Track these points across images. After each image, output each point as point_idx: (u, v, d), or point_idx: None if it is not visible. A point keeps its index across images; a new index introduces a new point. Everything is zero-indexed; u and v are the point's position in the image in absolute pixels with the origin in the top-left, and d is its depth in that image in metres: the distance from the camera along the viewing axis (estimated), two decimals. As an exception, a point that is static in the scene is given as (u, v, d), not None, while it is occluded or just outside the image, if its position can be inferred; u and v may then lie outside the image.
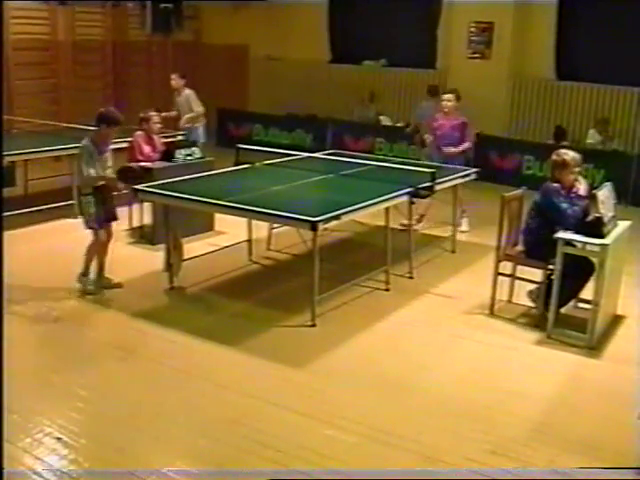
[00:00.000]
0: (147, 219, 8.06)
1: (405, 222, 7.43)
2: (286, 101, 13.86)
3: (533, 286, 6.24)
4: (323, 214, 5.70)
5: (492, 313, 6.26)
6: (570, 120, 11.84)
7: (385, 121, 13.09)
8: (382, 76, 13.43)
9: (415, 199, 6.81)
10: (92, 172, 6.19)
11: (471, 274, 7.29)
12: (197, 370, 5.10)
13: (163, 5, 12.83)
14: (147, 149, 8.11)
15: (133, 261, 7.13)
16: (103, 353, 5.35)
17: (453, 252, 8.04)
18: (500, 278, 6.29)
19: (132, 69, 13.85)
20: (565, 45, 11.89)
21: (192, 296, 6.52)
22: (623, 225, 5.97)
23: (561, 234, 5.62)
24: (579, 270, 5.76)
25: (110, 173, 6.34)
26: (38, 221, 8.29)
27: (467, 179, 8.05)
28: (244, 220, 7.12)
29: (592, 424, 4.57)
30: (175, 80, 10.17)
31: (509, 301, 6.48)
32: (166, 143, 8.45)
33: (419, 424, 4.48)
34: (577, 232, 5.62)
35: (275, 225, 7.35)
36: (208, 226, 8.19)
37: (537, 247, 6.00)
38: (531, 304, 6.28)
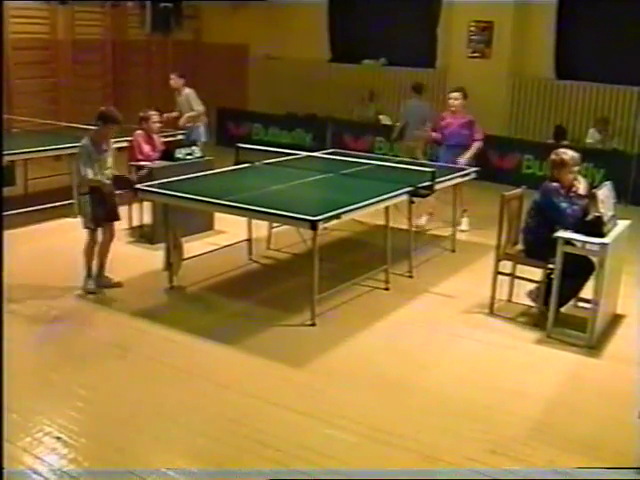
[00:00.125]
0: (147, 218, 8.06)
1: (421, 222, 7.41)
2: (286, 100, 13.86)
3: (533, 286, 6.24)
4: (323, 213, 5.70)
5: (492, 312, 6.26)
6: (570, 119, 11.84)
7: (385, 120, 13.06)
8: (382, 75, 13.42)
9: (415, 198, 6.80)
10: (89, 173, 6.19)
11: (471, 273, 7.29)
12: (197, 369, 5.10)
13: (163, 4, 12.85)
14: (147, 148, 8.11)
15: (133, 260, 7.13)
16: (103, 352, 5.35)
17: (453, 251, 8.04)
18: (500, 277, 6.29)
19: (132, 68, 13.84)
20: (565, 44, 11.89)
21: (192, 295, 6.52)
22: (623, 224, 5.97)
23: (561, 233, 5.62)
24: (579, 269, 5.76)
25: (109, 174, 6.33)
26: (38, 220, 8.29)
27: (467, 178, 8.05)
28: (244, 219, 7.12)
29: (592, 424, 4.57)
30: (174, 80, 10.16)
31: (509, 300, 6.48)
32: (166, 142, 8.45)
33: (419, 423, 4.48)
34: (577, 231, 5.61)
35: (275, 224, 7.35)
36: (208, 225, 8.19)
37: (537, 246, 6.00)
38: (531, 303, 6.28)
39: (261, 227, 7.51)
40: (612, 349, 5.62)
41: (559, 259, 5.60)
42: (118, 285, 6.52)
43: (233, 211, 6.12)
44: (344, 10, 13.97)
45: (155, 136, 8.31)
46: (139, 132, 8.14)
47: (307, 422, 4.45)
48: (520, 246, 6.34)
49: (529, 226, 6.12)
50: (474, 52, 12.23)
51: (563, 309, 5.98)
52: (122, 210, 7.02)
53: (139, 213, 8.14)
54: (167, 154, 8.10)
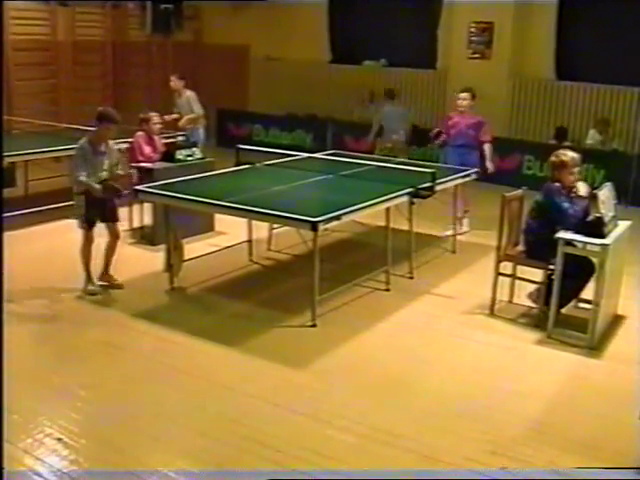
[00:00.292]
0: (147, 220, 8.07)
1: (465, 229, 8.05)
2: (286, 101, 13.87)
3: (534, 287, 6.24)
4: (323, 214, 5.71)
5: (492, 313, 6.26)
6: (570, 120, 11.83)
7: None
8: (382, 76, 13.41)
9: (416, 199, 6.80)
10: (82, 176, 6.19)
11: (471, 274, 7.29)
12: (197, 370, 5.10)
13: (163, 5, 12.83)
14: (147, 150, 8.12)
15: (134, 261, 7.13)
16: (103, 353, 5.36)
17: (453, 252, 8.05)
18: (500, 278, 6.29)
19: (132, 70, 13.84)
20: (565, 45, 11.88)
21: (192, 296, 6.52)
22: (623, 225, 5.97)
23: (562, 234, 5.62)
24: (580, 270, 5.76)
25: (106, 176, 6.32)
26: (38, 222, 8.29)
27: (467, 179, 8.05)
28: (244, 220, 7.12)
29: (592, 424, 4.57)
30: (174, 81, 10.17)
31: (509, 301, 6.48)
32: (166, 144, 8.46)
33: (419, 424, 4.48)
34: (578, 232, 5.62)
35: (275, 225, 7.36)
36: (208, 226, 8.20)
37: (538, 247, 6.00)
38: (531, 304, 6.28)
39: (261, 228, 7.51)
40: (613, 350, 5.62)
41: (560, 260, 5.60)
42: (119, 287, 6.52)
43: (233, 212, 6.12)
44: (344, 11, 13.97)
45: (156, 137, 8.31)
46: (140, 133, 8.15)
47: (307, 423, 4.45)
48: (521, 247, 6.35)
49: (530, 227, 6.12)
50: (474, 53, 12.23)
51: (564, 310, 5.98)
52: (122, 211, 7.03)
53: (140, 214, 8.15)
54: (168, 155, 8.11)
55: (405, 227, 7.05)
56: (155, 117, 8.27)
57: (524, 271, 6.31)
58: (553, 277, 5.80)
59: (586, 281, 5.88)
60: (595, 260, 5.62)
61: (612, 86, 11.45)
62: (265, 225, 7.43)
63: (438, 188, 7.01)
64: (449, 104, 11.44)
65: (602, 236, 5.50)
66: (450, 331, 5.92)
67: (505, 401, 4.81)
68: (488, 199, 7.92)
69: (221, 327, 5.83)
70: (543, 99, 12.13)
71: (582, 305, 6.15)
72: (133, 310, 6.09)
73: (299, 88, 13.84)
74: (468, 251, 8.02)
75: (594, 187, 6.01)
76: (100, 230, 6.46)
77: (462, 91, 8.72)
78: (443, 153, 9.08)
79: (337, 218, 5.86)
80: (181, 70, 10.81)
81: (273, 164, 7.97)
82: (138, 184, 6.86)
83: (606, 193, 5.76)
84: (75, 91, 12.83)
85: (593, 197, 5.62)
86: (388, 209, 6.64)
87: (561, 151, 6.12)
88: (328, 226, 5.94)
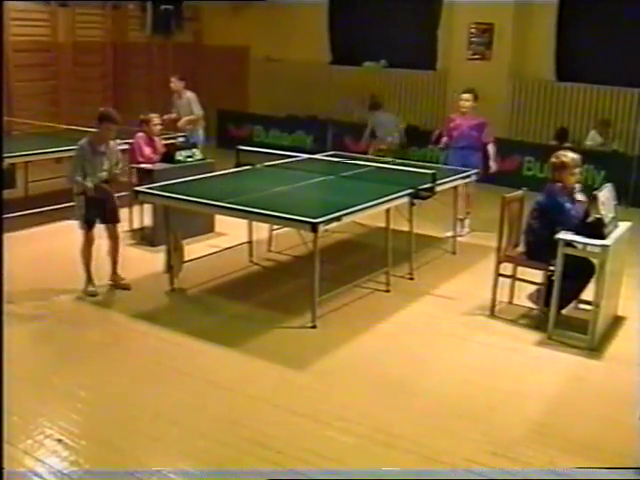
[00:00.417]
0: (148, 221, 8.07)
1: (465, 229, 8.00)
2: (286, 102, 13.87)
3: (534, 288, 6.24)
4: (324, 215, 5.71)
5: (493, 314, 6.26)
6: (570, 121, 11.83)
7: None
8: (382, 77, 13.42)
9: (416, 200, 6.81)
10: (76, 175, 6.23)
11: (471, 275, 7.29)
12: (198, 371, 5.10)
13: (163, 6, 12.85)
14: (148, 150, 8.12)
15: (134, 263, 7.12)
16: (103, 354, 5.36)
17: (453, 253, 8.05)
18: (501, 279, 6.29)
19: (132, 71, 13.84)
20: (565, 46, 11.88)
21: (193, 297, 6.52)
22: (624, 226, 5.97)
23: (562, 235, 5.62)
24: (580, 271, 5.76)
25: (105, 176, 6.33)
26: (38, 223, 8.30)
27: (468, 180, 8.06)
28: (245, 222, 7.12)
29: (593, 425, 4.57)
30: (174, 83, 10.16)
31: (510, 302, 6.48)
32: (167, 145, 8.46)
33: (419, 425, 4.48)
34: (578, 233, 5.62)
35: (276, 227, 7.36)
36: (209, 228, 8.20)
37: (538, 248, 6.00)
38: (532, 305, 6.28)
39: (262, 229, 7.51)
40: (613, 351, 5.62)
41: (560, 261, 5.61)
42: (126, 287, 6.53)
43: (234, 213, 6.13)
44: (345, 12, 13.96)
45: (156, 138, 8.31)
46: (140, 134, 8.15)
47: (307, 424, 4.45)
48: (521, 248, 6.35)
49: (531, 227, 6.12)
50: (474, 54, 12.23)
51: (564, 311, 5.98)
52: (122, 212, 7.02)
53: (140, 215, 8.15)
54: (168, 156, 8.11)
55: (405, 228, 7.05)
56: (155, 118, 8.27)
57: (524, 272, 6.31)
58: (553, 278, 5.80)
59: (586, 282, 5.89)
60: (595, 261, 5.63)
61: (612, 87, 11.45)
62: (265, 226, 7.44)
63: (438, 189, 7.01)
64: (449, 105, 11.47)
65: (602, 237, 5.50)
66: (450, 332, 5.92)
67: (505, 402, 4.82)
68: (488, 200, 7.93)
69: (221, 328, 5.83)
70: (543, 100, 12.13)
71: (582, 306, 6.15)
72: (133, 311, 6.09)
73: (299, 89, 13.84)
74: (468, 252, 8.02)
75: (594, 188, 6.02)
76: (100, 231, 6.47)
77: (464, 92, 8.70)
78: (445, 154, 9.08)
79: (337, 219, 5.86)
80: (181, 71, 10.81)
81: (273, 165, 7.98)
82: (137, 184, 6.85)
83: (606, 194, 5.76)
84: (75, 92, 12.83)
85: (593, 198, 5.62)
86: (388, 210, 6.64)
87: (561, 152, 6.12)
88: (328, 227, 5.94)
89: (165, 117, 9.44)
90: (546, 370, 5.34)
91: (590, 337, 5.59)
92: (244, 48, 14.78)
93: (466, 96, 8.61)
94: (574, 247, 5.68)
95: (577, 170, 5.99)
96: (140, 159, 8.02)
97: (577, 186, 6.05)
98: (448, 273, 7.34)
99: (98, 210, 6.33)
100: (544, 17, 11.81)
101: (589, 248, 5.61)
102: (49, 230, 8.23)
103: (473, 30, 12.16)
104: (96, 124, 6.31)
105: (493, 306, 6.28)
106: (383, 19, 13.39)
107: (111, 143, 6.43)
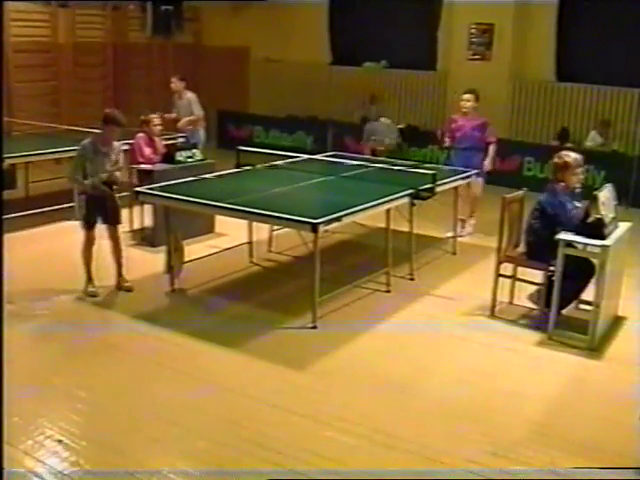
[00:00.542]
0: (148, 221, 8.07)
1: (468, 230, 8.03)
2: (287, 103, 13.87)
3: (534, 289, 6.24)
4: (324, 216, 5.71)
5: (493, 314, 6.26)
6: (570, 121, 11.83)
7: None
8: (383, 78, 13.42)
9: (416, 200, 6.81)
10: (76, 174, 6.26)
11: (472, 276, 7.29)
12: (198, 372, 5.10)
13: (163, 7, 12.85)
14: (148, 151, 8.12)
15: (134, 263, 7.11)
16: (103, 355, 5.36)
17: (454, 254, 8.04)
18: (501, 279, 6.29)
19: (132, 71, 13.85)
20: (565, 46, 11.88)
21: (193, 298, 6.52)
22: (624, 226, 5.97)
23: (562, 235, 5.62)
24: (580, 272, 5.76)
25: (105, 177, 6.33)
26: (39, 223, 8.30)
27: (468, 180, 8.06)
28: (245, 222, 7.12)
29: (593, 425, 4.57)
30: (175, 83, 10.16)
31: (510, 302, 6.48)
32: (167, 145, 8.46)
33: (419, 426, 4.48)
34: (578, 233, 5.62)
35: (276, 227, 7.36)
36: (209, 228, 8.20)
37: (538, 248, 5.99)
38: (532, 305, 6.28)
39: (262, 230, 7.51)
40: (613, 351, 5.62)
41: (560, 261, 5.60)
42: (128, 289, 6.53)
43: (234, 214, 6.13)
44: (345, 12, 13.96)
45: (156, 139, 8.31)
46: (140, 135, 8.15)
47: (307, 424, 4.45)
48: (521, 248, 6.35)
49: (532, 227, 6.11)
50: (475, 54, 12.24)
51: (564, 311, 5.98)
52: (123, 212, 7.02)
53: (140, 216, 8.15)
54: (168, 157, 8.11)
55: (405, 228, 7.05)
56: (156, 119, 8.27)
57: (524, 272, 6.31)
58: (553, 278, 5.80)
59: (586, 282, 5.88)
60: (595, 261, 5.63)
61: (612, 87, 11.45)
62: (266, 227, 7.43)
63: (439, 189, 7.01)
64: (449, 105, 11.48)
65: (602, 237, 5.50)
66: (450, 332, 5.92)
67: (505, 402, 4.81)
68: (488, 201, 7.94)
69: (221, 328, 5.82)
70: (543, 100, 12.13)
71: (582, 306, 6.15)
72: (133, 311, 6.09)
73: (299, 90, 13.85)
74: (468, 252, 8.02)
75: (594, 188, 6.02)
76: (101, 232, 6.47)
77: (466, 92, 8.69)
78: (447, 155, 9.07)
79: (338, 219, 5.86)
80: (181, 72, 10.81)
81: (274, 166, 7.98)
82: (137, 185, 6.85)
83: (606, 194, 5.76)
84: (75, 93, 12.84)
85: (593, 198, 5.62)
86: (388, 210, 6.64)
87: (564, 152, 6.13)
88: (328, 227, 5.94)
89: (165, 116, 9.44)
90: (546, 370, 5.34)
91: (590, 337, 5.59)
92: (244, 49, 14.78)
93: (467, 96, 8.60)
94: (574, 247, 5.69)
95: (579, 170, 6.00)
96: (140, 159, 8.03)
97: (577, 186, 6.05)
98: (448, 273, 7.34)
99: (99, 210, 6.34)
100: (544, 17, 11.81)
101: (589, 248, 5.61)
102: (49, 231, 8.24)
103: (473, 30, 12.17)
104: (101, 125, 6.31)
105: (493, 306, 6.28)
106: (383, 19, 13.39)
107: (115, 144, 6.44)
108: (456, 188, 7.95)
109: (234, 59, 14.83)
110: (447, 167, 8.57)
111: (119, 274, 6.58)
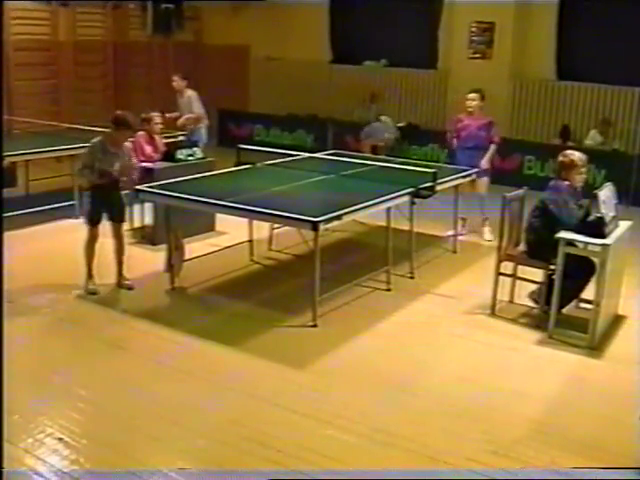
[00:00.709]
0: (148, 219, 8.07)
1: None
2: (287, 101, 13.87)
3: (535, 287, 6.23)
4: (324, 214, 5.71)
5: (493, 313, 6.26)
6: (571, 120, 11.83)
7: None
8: (383, 76, 13.42)
9: (417, 199, 6.81)
10: (82, 168, 6.29)
11: (472, 274, 7.29)
12: (198, 370, 5.10)
13: (164, 6, 12.85)
14: (148, 149, 8.12)
15: (134, 261, 7.10)
16: (104, 353, 5.36)
17: (454, 252, 8.04)
18: (501, 278, 6.29)
19: (133, 70, 13.83)
20: (566, 45, 11.88)
21: (193, 296, 6.52)
22: (624, 225, 5.97)
23: (563, 234, 5.62)
24: (580, 270, 5.76)
25: (116, 174, 6.34)
26: (39, 221, 8.30)
27: (469, 179, 8.05)
28: (245, 220, 7.12)
29: (593, 424, 4.57)
30: (177, 81, 10.15)
31: (510, 301, 6.48)
32: (167, 143, 8.46)
33: (420, 424, 4.48)
34: (579, 232, 5.62)
35: (276, 225, 7.35)
36: (209, 226, 8.20)
37: (539, 247, 5.99)
38: (532, 304, 6.28)
39: (262, 228, 7.51)
40: (613, 350, 5.62)
41: (561, 260, 5.60)
42: (129, 288, 6.53)
43: (234, 212, 6.12)
44: (345, 11, 13.96)
45: (157, 137, 8.32)
46: (141, 133, 8.14)
47: (308, 423, 4.45)
48: (522, 247, 6.34)
49: (532, 226, 6.10)
50: (475, 53, 12.23)
51: (564, 310, 5.98)
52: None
53: (140, 214, 8.15)
54: (168, 155, 8.11)
55: (406, 227, 7.05)
56: (156, 117, 8.27)
57: (525, 271, 6.31)
58: (554, 277, 5.80)
59: (587, 281, 5.88)
60: (596, 260, 5.62)
61: (613, 86, 11.45)
62: (266, 225, 7.43)
63: (439, 188, 7.01)
64: (450, 104, 11.49)
65: (603, 236, 5.50)
66: (451, 331, 5.92)
67: (506, 401, 4.81)
68: (488, 199, 7.92)
69: (222, 327, 5.82)
70: (544, 99, 12.13)
71: (583, 305, 6.15)
72: (134, 310, 6.09)
73: (300, 88, 13.84)
74: (469, 251, 8.02)
75: (595, 187, 6.01)
76: (104, 230, 6.46)
77: (471, 92, 8.67)
78: (451, 155, 9.06)
79: (338, 218, 5.86)
80: (182, 70, 10.81)
81: (274, 164, 7.97)
82: (139, 182, 6.84)
83: (607, 193, 5.76)
84: (76, 91, 12.84)
85: (594, 197, 5.62)
86: (389, 209, 6.64)
87: (569, 151, 6.12)
88: (329, 226, 5.94)
89: (167, 115, 9.44)
90: (546, 369, 5.34)
91: (591, 336, 5.58)
92: (244, 47, 14.78)
93: (472, 95, 8.58)
94: (575, 246, 5.69)
95: (584, 169, 6.00)
96: (141, 158, 8.02)
97: (580, 185, 6.05)
98: (449, 272, 7.33)
99: (104, 207, 6.35)
100: (545, 16, 11.82)
101: (590, 247, 5.61)
102: (49, 229, 8.23)
103: (474, 29, 12.17)
104: (111, 127, 6.30)
105: (494, 305, 6.28)
106: (383, 18, 13.39)
107: (125, 145, 6.45)
108: (457, 187, 7.94)
109: (234, 58, 14.82)
110: (449, 166, 8.56)
111: (120, 272, 6.58)
